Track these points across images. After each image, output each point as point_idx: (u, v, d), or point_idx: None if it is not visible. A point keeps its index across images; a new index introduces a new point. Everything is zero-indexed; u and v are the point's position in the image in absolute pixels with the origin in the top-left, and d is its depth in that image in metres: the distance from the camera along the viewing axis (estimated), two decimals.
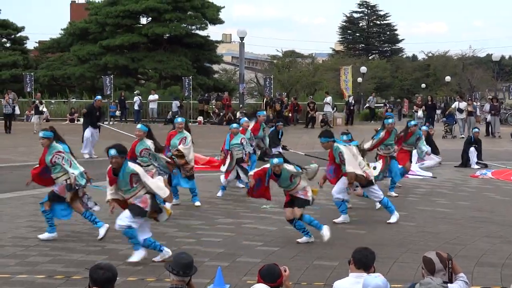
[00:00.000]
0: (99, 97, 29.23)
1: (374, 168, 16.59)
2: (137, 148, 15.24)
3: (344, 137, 16.42)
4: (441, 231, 14.28)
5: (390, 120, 18.25)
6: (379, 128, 18.65)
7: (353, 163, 14.39)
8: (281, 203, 16.90)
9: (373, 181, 14.86)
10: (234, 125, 19.36)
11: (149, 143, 15.17)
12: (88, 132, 26.05)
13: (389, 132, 17.86)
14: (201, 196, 17.08)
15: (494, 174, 22.23)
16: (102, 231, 12.62)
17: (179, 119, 17.16)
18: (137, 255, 11.51)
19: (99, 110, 27.77)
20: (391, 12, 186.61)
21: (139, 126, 15.84)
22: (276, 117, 42.53)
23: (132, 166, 11.53)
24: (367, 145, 17.06)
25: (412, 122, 19.77)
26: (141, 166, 12.48)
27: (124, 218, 11.43)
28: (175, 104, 46.75)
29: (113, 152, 11.35)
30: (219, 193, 18.33)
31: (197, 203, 16.63)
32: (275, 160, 12.71)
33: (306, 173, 13.14)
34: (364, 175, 14.44)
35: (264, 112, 20.72)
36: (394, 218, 14.81)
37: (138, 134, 15.31)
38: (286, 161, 12.98)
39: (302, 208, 13.08)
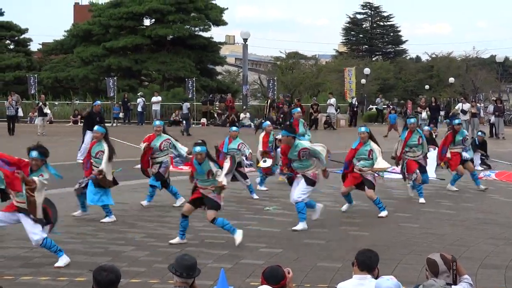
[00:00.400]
0: (98, 102, 29.22)
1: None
2: (157, 142, 16.59)
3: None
4: (445, 232, 14.26)
5: (412, 120, 18.39)
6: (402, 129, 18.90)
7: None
8: (285, 204, 17.00)
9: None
10: (234, 128, 19.24)
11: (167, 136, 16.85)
12: (88, 137, 25.94)
13: (412, 132, 17.92)
14: None
15: (498, 176, 22.25)
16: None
17: (157, 122, 17.59)
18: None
19: (99, 115, 27.70)
20: (395, 13, 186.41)
21: (158, 122, 17.52)
22: (285, 119, 42.56)
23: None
24: (398, 150, 17.56)
25: (456, 121, 20.26)
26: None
27: None
28: (185, 106, 46.85)
29: (34, 154, 11.39)
30: None
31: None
32: (198, 148, 12.71)
33: (219, 176, 12.94)
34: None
35: (268, 123, 20.60)
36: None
37: (157, 130, 16.80)
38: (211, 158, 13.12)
39: (215, 210, 12.99)
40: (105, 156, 14.86)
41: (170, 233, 13.63)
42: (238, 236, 12.90)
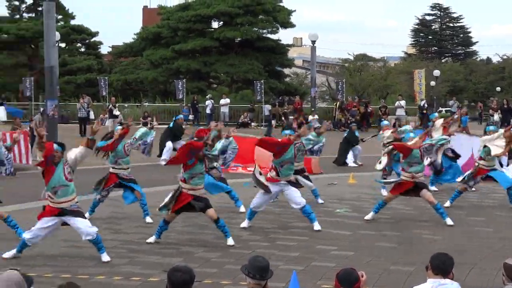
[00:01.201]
0: (180, 116, 29.69)
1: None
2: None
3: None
4: None
5: (492, 128, 18.33)
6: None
7: None
8: (355, 207, 16.96)
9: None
10: (287, 131, 17.17)
11: None
12: (170, 143, 26.33)
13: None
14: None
15: None
16: None
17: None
18: None
19: (181, 127, 27.95)
20: (465, 14, 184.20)
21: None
22: (361, 119, 42.69)
23: None
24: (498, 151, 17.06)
25: None
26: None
27: None
28: (266, 108, 46.94)
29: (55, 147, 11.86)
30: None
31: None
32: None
33: None
34: None
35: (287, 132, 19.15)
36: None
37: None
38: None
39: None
40: None
41: (241, 234, 13.69)
42: (230, 241, 13.08)
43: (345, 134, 27.84)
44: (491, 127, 18.96)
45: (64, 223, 12.00)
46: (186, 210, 13.31)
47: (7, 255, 11.74)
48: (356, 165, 25.75)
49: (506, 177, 17.22)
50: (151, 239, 13.27)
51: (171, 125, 28.03)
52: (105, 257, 11.89)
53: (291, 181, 14.83)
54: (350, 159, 26.39)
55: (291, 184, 14.83)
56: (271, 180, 14.62)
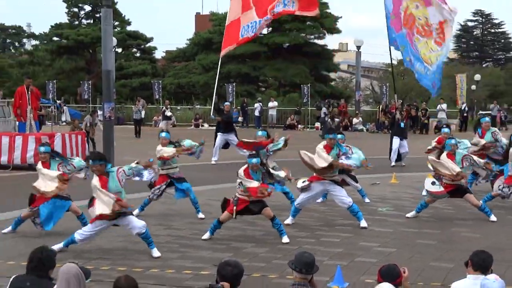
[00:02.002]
0: (227, 102, 29.80)
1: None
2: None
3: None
4: None
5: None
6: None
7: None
8: (397, 206, 16.89)
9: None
10: (339, 136, 16.30)
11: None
12: (219, 139, 26.21)
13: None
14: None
15: None
16: None
17: (163, 134, 16.02)
18: None
19: (229, 114, 27.78)
20: (506, 21, 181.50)
21: (259, 133, 17.18)
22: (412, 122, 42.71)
23: None
24: None
25: None
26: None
27: None
28: (323, 111, 46.95)
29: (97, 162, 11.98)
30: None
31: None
32: (254, 160, 12.99)
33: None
34: None
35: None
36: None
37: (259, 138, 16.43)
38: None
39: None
40: None
41: (288, 231, 13.66)
42: (285, 239, 13.10)
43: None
44: (486, 118, 18.88)
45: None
46: (243, 214, 13.40)
47: (55, 247, 11.76)
48: (401, 165, 25.40)
49: None
50: (206, 235, 13.36)
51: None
52: (156, 253, 11.98)
53: (336, 181, 14.82)
54: (393, 157, 25.84)
55: (337, 184, 14.82)
56: (316, 179, 14.64)
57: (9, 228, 13.85)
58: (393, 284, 6.90)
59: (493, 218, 15.15)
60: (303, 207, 14.95)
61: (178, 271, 11.07)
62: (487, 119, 19.83)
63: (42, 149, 13.54)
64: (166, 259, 11.79)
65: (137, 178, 12.60)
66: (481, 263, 7.30)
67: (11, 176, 21.83)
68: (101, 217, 11.86)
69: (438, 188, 15.13)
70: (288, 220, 14.76)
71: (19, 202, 15.11)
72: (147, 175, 12.71)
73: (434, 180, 15.23)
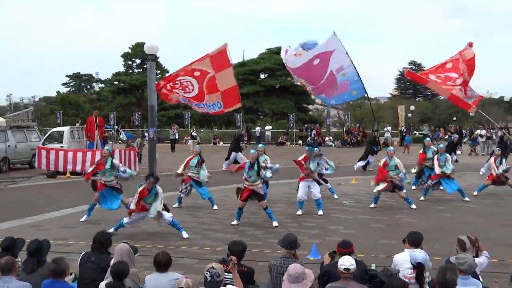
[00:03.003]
0: (243, 131, 29.85)
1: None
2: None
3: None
4: (470, 220, 13.80)
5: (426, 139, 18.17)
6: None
7: None
8: (357, 200, 16.78)
9: None
10: (315, 148, 15.66)
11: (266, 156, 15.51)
12: (232, 155, 26.44)
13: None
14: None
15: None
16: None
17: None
18: None
19: (242, 138, 28.18)
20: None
21: (260, 145, 16.36)
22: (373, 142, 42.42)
23: None
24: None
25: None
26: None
27: None
28: (311, 134, 46.99)
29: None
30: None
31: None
32: (260, 145, 13.16)
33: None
34: None
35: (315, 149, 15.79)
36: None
37: (260, 150, 15.30)
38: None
39: (264, 200, 13.17)
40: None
41: (279, 218, 13.59)
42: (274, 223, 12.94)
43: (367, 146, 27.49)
44: (428, 138, 18.84)
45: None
46: (249, 199, 13.23)
47: (111, 230, 11.59)
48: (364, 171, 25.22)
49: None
50: (234, 222, 13.23)
51: (237, 135, 28.18)
52: (185, 234, 11.87)
53: (315, 179, 14.84)
54: (359, 165, 25.64)
55: (316, 181, 14.87)
56: (302, 179, 14.72)
57: (85, 216, 13.80)
58: (347, 251, 6.87)
59: (413, 206, 15.19)
60: (305, 200, 14.84)
61: (200, 248, 11.00)
62: (428, 138, 19.88)
63: (106, 147, 13.34)
64: (192, 239, 11.72)
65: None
66: (414, 240, 7.24)
67: (83, 180, 21.72)
68: (136, 210, 11.83)
69: (381, 187, 15.20)
70: (299, 212, 14.67)
71: (88, 198, 15.04)
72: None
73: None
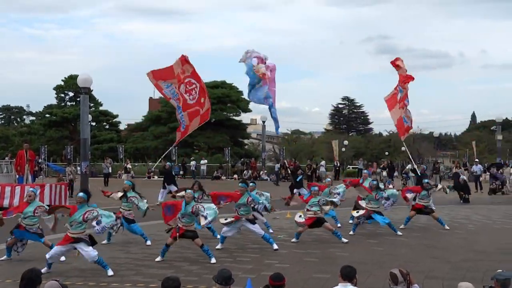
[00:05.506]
0: (168, 163, 29.58)
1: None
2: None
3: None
4: (401, 253, 14.07)
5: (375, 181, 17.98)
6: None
7: None
8: (291, 234, 16.84)
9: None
10: (251, 183, 15.94)
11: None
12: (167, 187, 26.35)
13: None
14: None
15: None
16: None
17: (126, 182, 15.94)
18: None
19: (170, 170, 28.01)
20: (365, 104, 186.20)
21: (252, 183, 16.02)
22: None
23: None
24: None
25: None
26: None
27: None
28: (277, 166, 47.10)
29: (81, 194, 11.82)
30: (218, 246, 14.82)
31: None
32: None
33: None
34: None
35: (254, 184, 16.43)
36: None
37: (194, 189, 15.35)
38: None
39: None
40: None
41: (214, 253, 13.50)
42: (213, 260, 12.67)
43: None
44: (365, 171, 19.51)
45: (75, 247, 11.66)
46: (181, 238, 13.00)
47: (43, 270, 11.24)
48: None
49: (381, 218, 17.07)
50: (158, 258, 12.93)
51: (169, 167, 28.15)
52: (110, 272, 11.45)
53: (249, 218, 14.74)
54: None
55: (249, 220, 14.69)
56: (236, 218, 14.59)
57: (5, 256, 13.18)
58: (279, 284, 6.99)
59: (344, 240, 15.23)
60: (228, 236, 14.75)
61: (133, 284, 10.74)
62: (365, 171, 20.29)
63: (80, 194, 12.35)
64: (123, 276, 11.43)
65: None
66: (347, 274, 7.28)
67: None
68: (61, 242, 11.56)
69: (302, 219, 15.35)
70: (219, 246, 14.55)
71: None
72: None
73: (301, 214, 15.54)
